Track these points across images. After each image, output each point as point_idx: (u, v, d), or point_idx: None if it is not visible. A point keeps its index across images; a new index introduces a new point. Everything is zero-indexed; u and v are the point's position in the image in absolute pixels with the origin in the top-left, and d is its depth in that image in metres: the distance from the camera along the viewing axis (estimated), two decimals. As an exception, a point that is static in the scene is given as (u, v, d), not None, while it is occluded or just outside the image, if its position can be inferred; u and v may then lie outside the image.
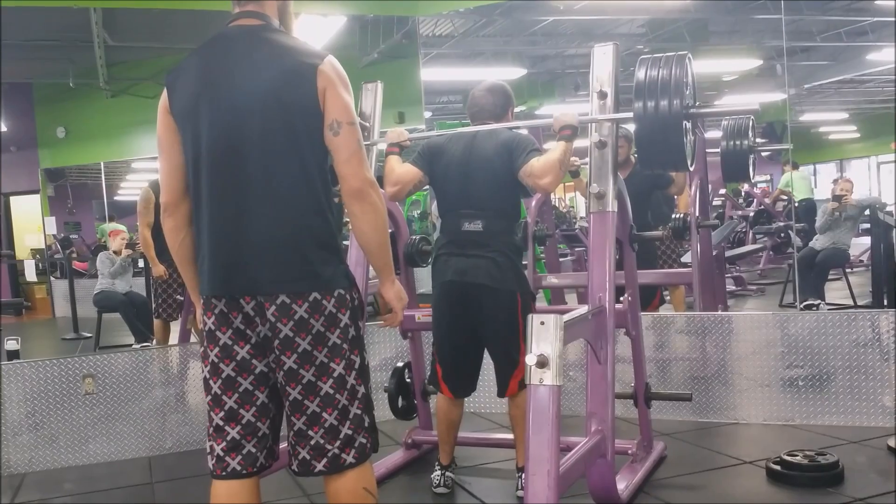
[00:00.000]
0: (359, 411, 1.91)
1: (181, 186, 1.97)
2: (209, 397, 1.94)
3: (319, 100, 1.85)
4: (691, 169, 2.82)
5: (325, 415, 1.87)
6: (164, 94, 1.96)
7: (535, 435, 2.09)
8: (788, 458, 3.01)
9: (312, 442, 1.89)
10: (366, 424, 1.93)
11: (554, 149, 2.72)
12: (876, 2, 8.69)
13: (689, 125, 2.69)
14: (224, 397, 1.91)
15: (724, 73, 10.94)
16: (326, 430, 1.88)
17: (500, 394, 2.97)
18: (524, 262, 3.84)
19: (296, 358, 1.86)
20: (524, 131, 3.37)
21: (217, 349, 1.91)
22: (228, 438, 1.91)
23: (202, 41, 2.00)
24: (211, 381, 1.93)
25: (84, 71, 7.30)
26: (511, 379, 2.89)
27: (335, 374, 1.87)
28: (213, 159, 1.88)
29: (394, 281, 2.06)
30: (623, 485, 2.84)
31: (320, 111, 1.86)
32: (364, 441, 1.92)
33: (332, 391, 1.87)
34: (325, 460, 1.89)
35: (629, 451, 3.11)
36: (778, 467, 3.01)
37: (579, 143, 2.77)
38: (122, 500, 3.35)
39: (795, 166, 9.59)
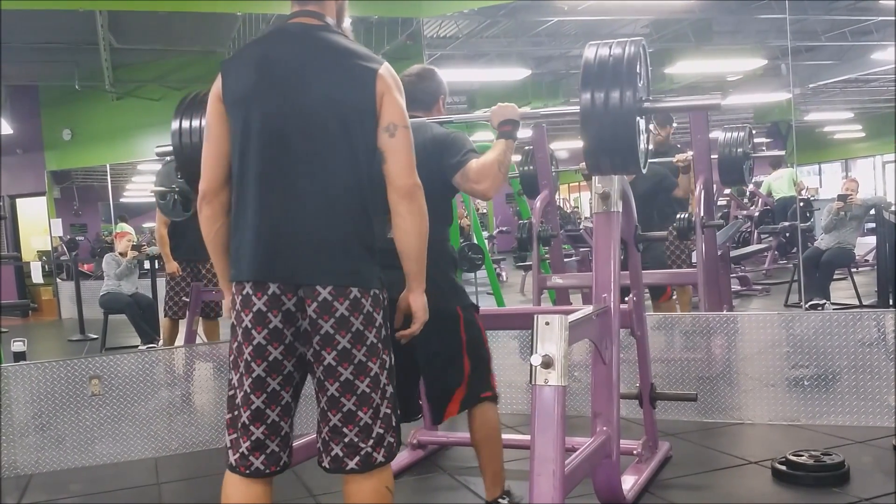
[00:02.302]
0: (388, 411, 1.94)
1: (223, 175, 2.00)
2: (240, 395, 1.94)
3: (377, 103, 1.91)
4: (644, 171, 2.51)
5: (360, 413, 1.90)
6: (218, 80, 1.99)
7: (541, 435, 2.09)
8: (794, 458, 3.00)
9: (346, 439, 1.91)
10: (394, 423, 1.97)
11: (492, 148, 2.47)
12: (880, 1, 8.68)
13: (642, 122, 2.42)
14: (253, 397, 1.92)
15: (729, 73, 10.94)
16: (361, 429, 1.91)
17: (436, 420, 2.67)
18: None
19: (335, 355, 1.88)
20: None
21: (251, 348, 1.91)
22: (253, 438, 1.93)
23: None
24: (244, 378, 1.93)
25: (90, 73, 7.34)
26: (450, 402, 2.56)
27: (371, 374, 1.91)
28: (265, 150, 1.91)
29: (423, 292, 2.06)
30: (628, 485, 2.83)
31: (376, 114, 1.92)
32: (392, 440, 1.95)
33: (368, 390, 1.90)
34: (357, 458, 1.91)
35: (634, 452, 3.11)
36: (783, 467, 3.01)
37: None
38: (129, 501, 3.35)
39: (776, 166, 9.58)
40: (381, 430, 1.92)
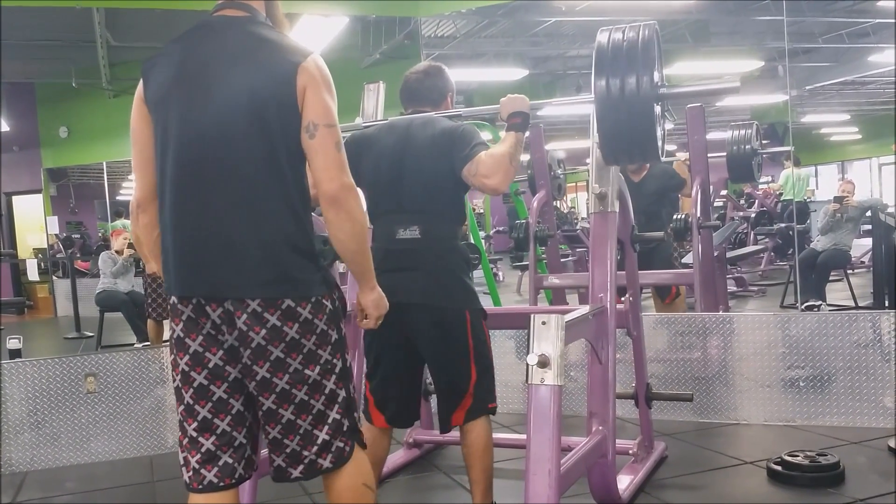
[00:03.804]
0: (338, 416, 1.84)
1: (154, 181, 1.87)
2: (181, 407, 1.84)
3: (298, 99, 1.76)
4: (662, 160, 2.51)
5: (299, 421, 1.81)
6: (140, 83, 1.87)
7: (536, 434, 2.09)
8: (789, 459, 3.01)
9: (288, 450, 1.83)
10: (345, 428, 1.86)
11: (502, 141, 2.39)
12: (878, 3, 8.70)
13: (659, 109, 2.39)
14: (197, 407, 1.82)
15: (726, 75, 10.94)
16: (302, 437, 1.82)
17: (443, 429, 2.58)
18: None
19: (268, 367, 1.77)
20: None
21: (187, 357, 1.81)
22: (203, 450, 1.82)
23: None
24: (182, 391, 1.83)
25: (86, 71, 7.32)
26: (457, 410, 2.49)
27: (310, 381, 1.80)
28: (182, 154, 1.78)
29: (373, 288, 1.97)
30: (624, 485, 2.84)
31: (299, 111, 1.77)
32: (342, 445, 1.86)
33: (306, 397, 1.80)
34: (301, 466, 1.84)
35: (630, 451, 3.11)
36: (779, 468, 3.01)
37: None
38: (124, 498, 3.35)
39: (797, 162, 9.58)
40: (327, 437, 1.83)
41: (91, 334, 6.84)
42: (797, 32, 9.00)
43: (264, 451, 1.96)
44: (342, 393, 1.86)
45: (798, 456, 3.03)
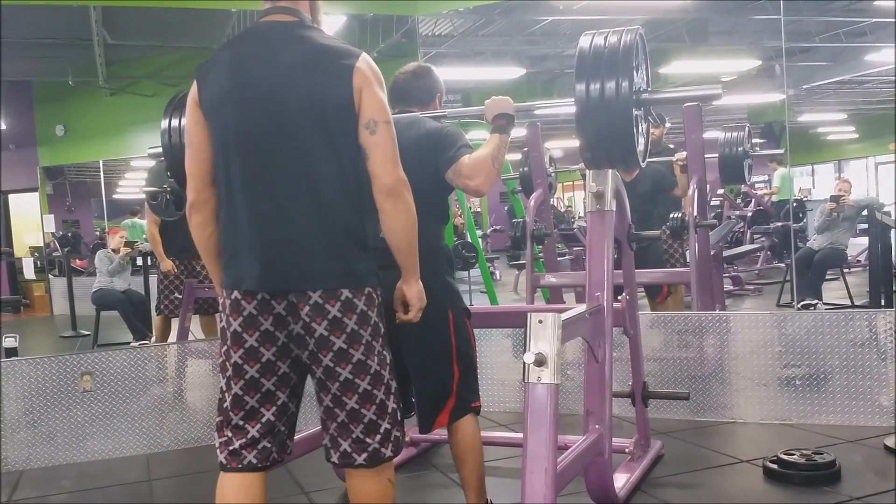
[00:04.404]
0: (394, 406, 1.96)
1: (209, 181, 1.97)
2: (230, 397, 1.94)
3: (355, 98, 1.86)
4: (643, 166, 2.51)
5: (363, 410, 1.91)
6: (194, 86, 1.95)
7: (533, 433, 2.09)
8: (785, 457, 3.01)
9: (353, 435, 1.92)
10: (399, 418, 1.98)
11: (486, 143, 2.39)
12: (875, 3, 8.72)
13: (640, 114, 2.39)
14: (246, 397, 1.92)
15: (723, 74, 10.95)
16: (366, 426, 1.91)
17: (424, 430, 2.54)
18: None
19: (332, 356, 1.88)
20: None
21: (242, 350, 1.91)
22: (248, 436, 1.93)
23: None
24: (233, 382, 1.93)
25: (83, 69, 7.32)
26: (441, 411, 2.46)
27: (371, 371, 1.91)
28: (247, 154, 1.88)
29: (418, 280, 2.06)
30: (620, 483, 2.84)
31: (356, 110, 1.87)
32: (399, 434, 1.97)
33: (369, 387, 1.91)
34: (365, 454, 1.92)
35: (626, 450, 3.11)
36: (775, 466, 3.02)
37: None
38: (120, 497, 3.35)
39: (781, 162, 9.63)
40: (388, 426, 1.93)
41: (87, 333, 6.84)
42: (794, 32, 9.01)
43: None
44: (393, 384, 1.98)
45: (794, 454, 3.03)
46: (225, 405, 1.95)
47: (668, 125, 5.44)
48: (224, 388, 1.96)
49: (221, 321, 1.97)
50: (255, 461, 1.93)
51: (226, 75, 1.91)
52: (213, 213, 1.99)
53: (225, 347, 1.94)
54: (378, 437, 1.92)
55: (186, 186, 2.01)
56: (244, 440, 1.93)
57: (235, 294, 1.91)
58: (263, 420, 1.93)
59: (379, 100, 1.89)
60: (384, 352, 1.95)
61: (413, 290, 2.07)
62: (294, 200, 1.87)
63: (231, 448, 1.93)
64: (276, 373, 1.93)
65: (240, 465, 1.93)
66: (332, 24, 5.90)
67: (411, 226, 1.96)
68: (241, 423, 1.93)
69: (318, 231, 1.87)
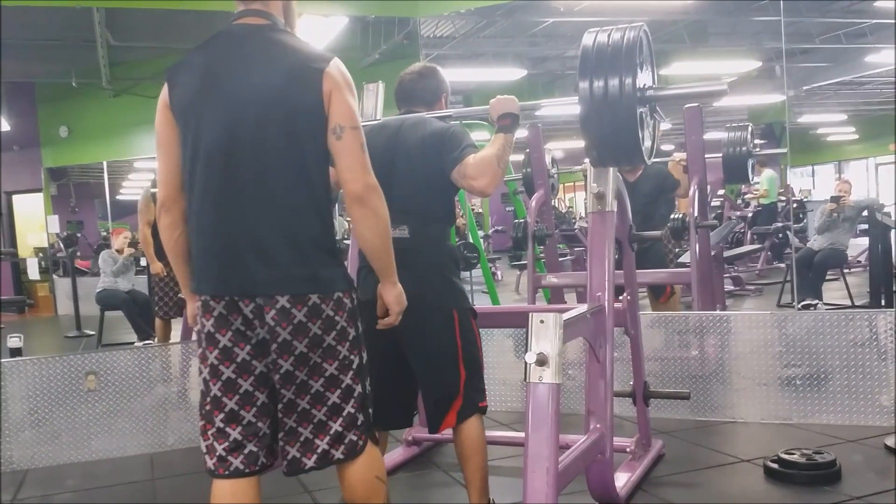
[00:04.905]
0: (352, 410, 1.91)
1: (178, 183, 1.96)
2: (208, 399, 1.93)
3: (324, 103, 1.84)
4: (648, 163, 2.51)
5: (314, 411, 1.89)
6: (165, 89, 1.94)
7: (535, 432, 2.10)
8: (786, 457, 3.03)
9: (302, 438, 1.90)
10: (359, 423, 1.93)
11: (491, 143, 2.39)
12: (875, 4, 8.72)
13: (645, 111, 2.38)
14: (224, 399, 1.90)
15: (723, 75, 10.95)
16: (315, 426, 1.90)
17: (433, 430, 2.54)
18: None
19: (292, 360, 1.87)
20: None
21: (217, 351, 1.90)
22: (230, 439, 1.90)
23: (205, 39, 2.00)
24: (210, 384, 1.92)
25: (87, 70, 7.32)
26: (448, 412, 2.47)
27: (327, 374, 1.89)
28: (213, 158, 1.86)
29: (395, 283, 2.04)
30: (621, 482, 2.86)
31: (325, 114, 1.85)
32: (355, 438, 1.92)
33: (322, 389, 1.89)
34: (314, 456, 1.90)
35: (627, 449, 3.13)
36: (775, 466, 3.03)
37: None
38: (124, 496, 3.37)
39: (764, 164, 9.64)
40: (340, 429, 1.90)
41: (92, 333, 6.85)
42: (795, 33, 9.01)
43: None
44: (358, 388, 1.93)
45: (795, 454, 3.05)
46: (206, 409, 1.94)
47: (668, 125, 5.46)
48: (203, 391, 1.94)
49: (197, 325, 1.96)
50: (241, 466, 1.90)
51: (196, 78, 1.89)
52: (182, 215, 1.98)
53: (201, 350, 1.93)
54: (327, 438, 1.90)
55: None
56: (227, 444, 1.90)
57: (205, 297, 1.91)
58: (244, 422, 1.90)
59: (348, 105, 1.86)
60: (352, 356, 1.92)
61: (391, 295, 2.05)
62: (256, 204, 1.85)
63: (217, 454, 1.91)
64: (252, 372, 1.90)
65: (226, 472, 1.90)
66: (333, 26, 5.91)
67: (382, 230, 1.93)
68: (221, 425, 1.91)
69: (280, 237, 1.85)
